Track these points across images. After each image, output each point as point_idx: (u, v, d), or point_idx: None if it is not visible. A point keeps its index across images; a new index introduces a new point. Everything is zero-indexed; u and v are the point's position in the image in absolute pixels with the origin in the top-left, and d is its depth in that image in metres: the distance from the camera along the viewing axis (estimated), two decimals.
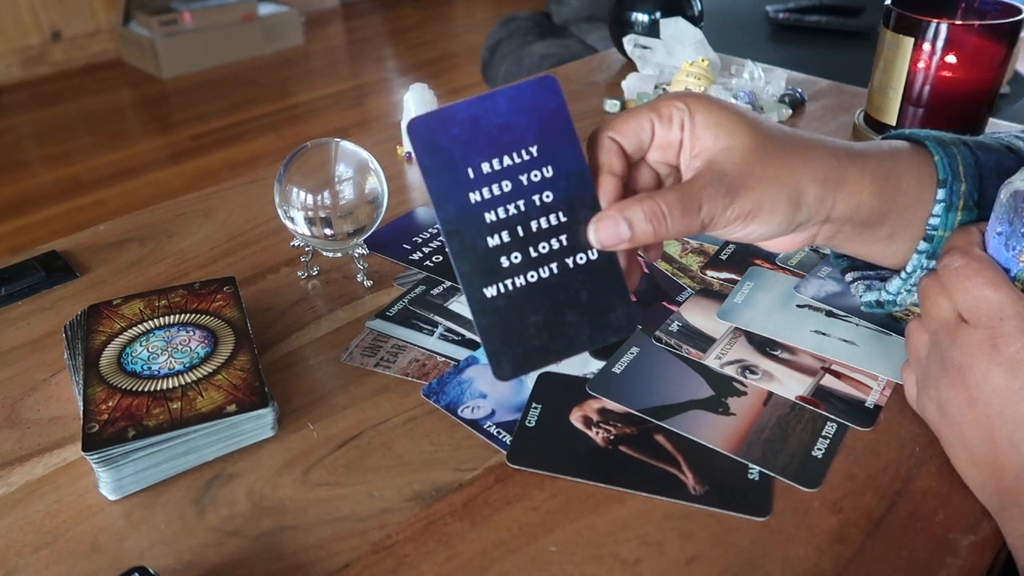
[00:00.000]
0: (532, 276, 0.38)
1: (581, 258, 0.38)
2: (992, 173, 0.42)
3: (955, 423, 0.40)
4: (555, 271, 0.38)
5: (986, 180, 0.42)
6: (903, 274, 0.44)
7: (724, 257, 0.59)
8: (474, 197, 0.37)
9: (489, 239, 0.37)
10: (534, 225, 0.37)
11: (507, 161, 0.37)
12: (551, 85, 0.37)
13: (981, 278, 0.37)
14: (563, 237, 0.38)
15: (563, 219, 0.38)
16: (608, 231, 0.37)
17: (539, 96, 0.37)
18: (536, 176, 0.37)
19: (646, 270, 0.58)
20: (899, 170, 0.42)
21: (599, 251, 0.38)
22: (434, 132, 0.36)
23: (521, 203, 0.37)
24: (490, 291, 0.37)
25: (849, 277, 0.48)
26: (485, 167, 0.37)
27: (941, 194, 0.42)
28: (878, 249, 0.44)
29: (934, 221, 0.42)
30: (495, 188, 0.37)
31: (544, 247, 0.38)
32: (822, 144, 0.41)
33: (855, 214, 0.41)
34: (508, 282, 0.37)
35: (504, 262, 0.37)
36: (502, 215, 0.37)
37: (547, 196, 0.37)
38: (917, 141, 0.44)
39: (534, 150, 0.37)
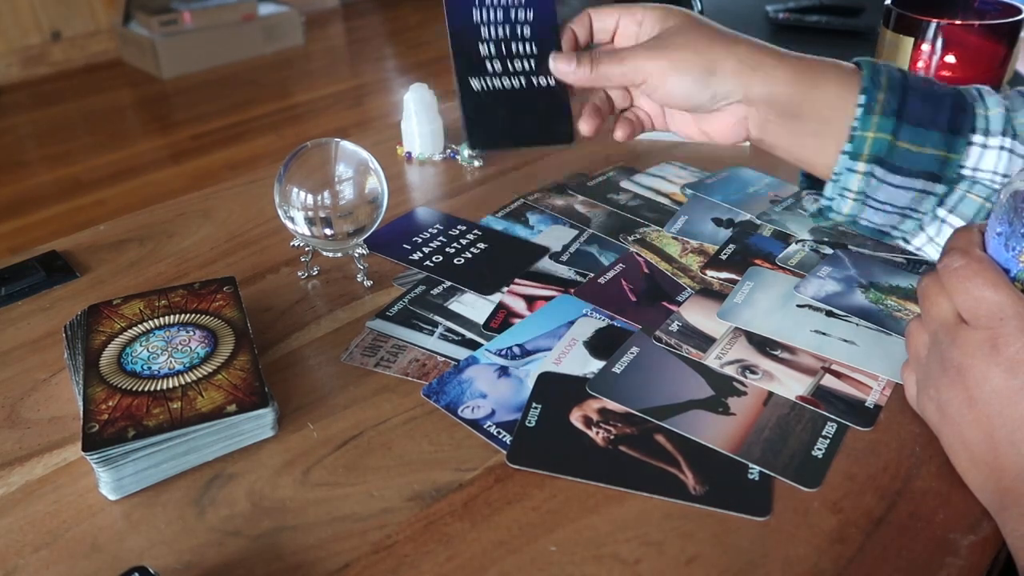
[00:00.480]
0: (506, 81, 0.52)
1: (543, 81, 0.52)
2: (917, 93, 0.47)
3: (955, 423, 0.40)
4: (523, 83, 0.52)
5: (910, 96, 0.47)
6: (833, 176, 0.49)
7: (724, 257, 0.59)
8: (476, 16, 0.51)
9: (481, 47, 0.51)
10: (514, 47, 0.52)
11: None
12: None
13: (981, 279, 0.38)
14: (532, 62, 0.52)
15: (534, 51, 0.52)
16: (562, 61, 0.52)
17: None
18: (521, 15, 0.52)
19: (646, 270, 0.58)
20: (819, 69, 0.48)
21: (556, 80, 0.52)
22: None
23: (507, 28, 0.52)
24: (475, 83, 0.51)
25: (805, 194, 0.56)
26: None
27: (861, 99, 0.47)
28: (809, 148, 0.50)
29: (855, 123, 0.47)
30: (491, 13, 0.52)
31: (518, 65, 0.52)
32: (753, 40, 0.49)
33: (772, 97, 0.48)
34: (488, 80, 0.51)
35: (488, 66, 0.51)
36: (492, 34, 0.52)
37: (527, 31, 0.52)
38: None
39: None
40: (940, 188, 0.48)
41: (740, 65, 0.48)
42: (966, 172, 0.47)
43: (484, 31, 0.51)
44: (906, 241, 0.51)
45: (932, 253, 0.50)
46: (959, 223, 0.48)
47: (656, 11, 0.51)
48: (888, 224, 0.50)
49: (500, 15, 0.51)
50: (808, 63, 0.48)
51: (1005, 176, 0.47)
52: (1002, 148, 0.46)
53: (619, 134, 0.54)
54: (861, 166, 0.47)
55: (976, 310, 0.38)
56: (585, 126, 0.52)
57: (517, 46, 0.52)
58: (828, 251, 0.59)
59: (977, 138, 0.47)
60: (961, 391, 0.39)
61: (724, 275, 0.57)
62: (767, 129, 0.50)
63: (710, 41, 0.48)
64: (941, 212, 0.48)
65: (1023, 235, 0.37)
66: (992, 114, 0.47)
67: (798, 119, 0.48)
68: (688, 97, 0.49)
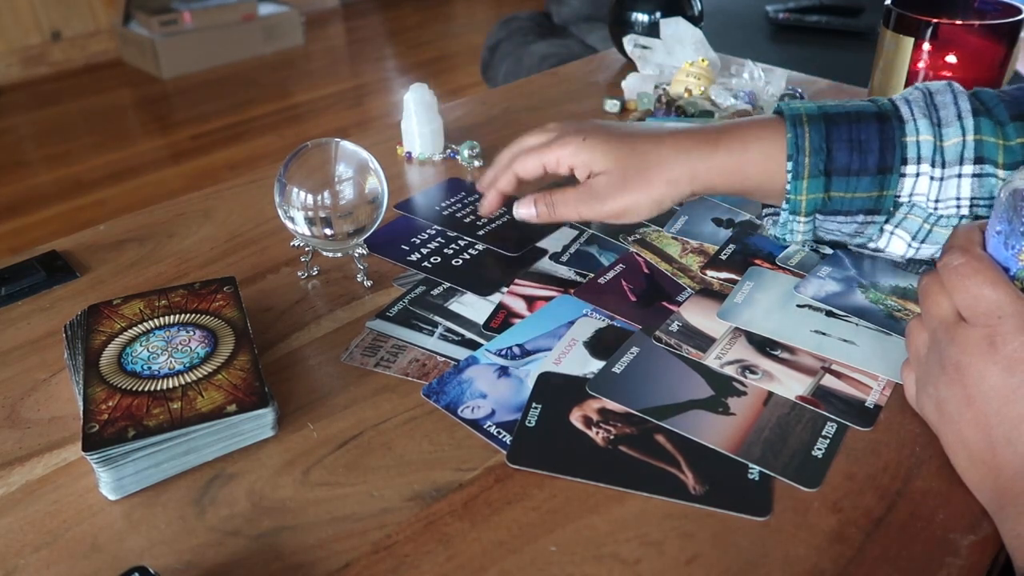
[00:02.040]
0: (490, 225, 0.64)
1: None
2: (843, 143, 0.50)
3: (953, 422, 0.40)
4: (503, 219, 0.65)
5: (835, 149, 0.50)
6: (780, 224, 0.54)
7: (724, 257, 0.59)
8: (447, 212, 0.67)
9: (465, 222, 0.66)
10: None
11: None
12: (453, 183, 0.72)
13: (980, 276, 0.38)
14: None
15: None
16: (523, 208, 0.57)
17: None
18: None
19: (646, 270, 0.58)
20: (745, 160, 0.52)
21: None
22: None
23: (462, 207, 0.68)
24: (481, 233, 0.64)
25: (764, 212, 0.57)
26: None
27: (788, 165, 0.51)
28: (759, 200, 0.56)
29: (787, 188, 0.51)
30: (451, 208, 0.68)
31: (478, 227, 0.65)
32: (676, 151, 0.53)
33: (714, 190, 0.54)
34: (481, 231, 0.64)
35: (476, 226, 0.65)
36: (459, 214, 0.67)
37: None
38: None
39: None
40: (880, 218, 0.51)
41: (677, 187, 0.52)
42: (903, 200, 0.50)
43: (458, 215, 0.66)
44: (864, 247, 0.56)
45: (893, 255, 0.54)
46: (907, 236, 0.52)
47: (584, 154, 0.53)
48: (843, 241, 0.55)
49: (458, 205, 0.67)
50: (734, 158, 0.52)
51: (938, 201, 0.50)
52: (932, 178, 0.49)
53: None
54: (802, 218, 0.52)
55: (975, 308, 0.38)
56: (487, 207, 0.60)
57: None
58: (828, 251, 0.59)
59: (909, 168, 0.49)
60: (959, 389, 0.39)
61: (724, 275, 0.57)
62: (717, 195, 0.60)
63: (645, 180, 0.52)
64: (888, 227, 0.52)
65: (1022, 233, 0.37)
66: (923, 140, 0.49)
67: (741, 193, 0.54)
68: (645, 219, 0.55)
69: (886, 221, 0.52)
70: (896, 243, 0.53)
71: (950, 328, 0.39)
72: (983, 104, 0.49)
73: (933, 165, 0.49)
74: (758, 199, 0.55)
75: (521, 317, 0.54)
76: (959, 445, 0.40)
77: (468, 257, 0.60)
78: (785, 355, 0.49)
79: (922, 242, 0.51)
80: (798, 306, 0.53)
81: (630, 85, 0.87)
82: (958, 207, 0.50)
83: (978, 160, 0.48)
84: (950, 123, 0.49)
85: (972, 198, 0.49)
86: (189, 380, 0.44)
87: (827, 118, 0.51)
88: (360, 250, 0.57)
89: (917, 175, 0.49)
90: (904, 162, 0.49)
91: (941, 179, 0.49)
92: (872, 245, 0.54)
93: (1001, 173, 0.48)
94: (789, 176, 0.51)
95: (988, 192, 0.49)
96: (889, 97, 0.52)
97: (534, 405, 0.46)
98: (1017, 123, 0.48)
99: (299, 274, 0.59)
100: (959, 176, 0.49)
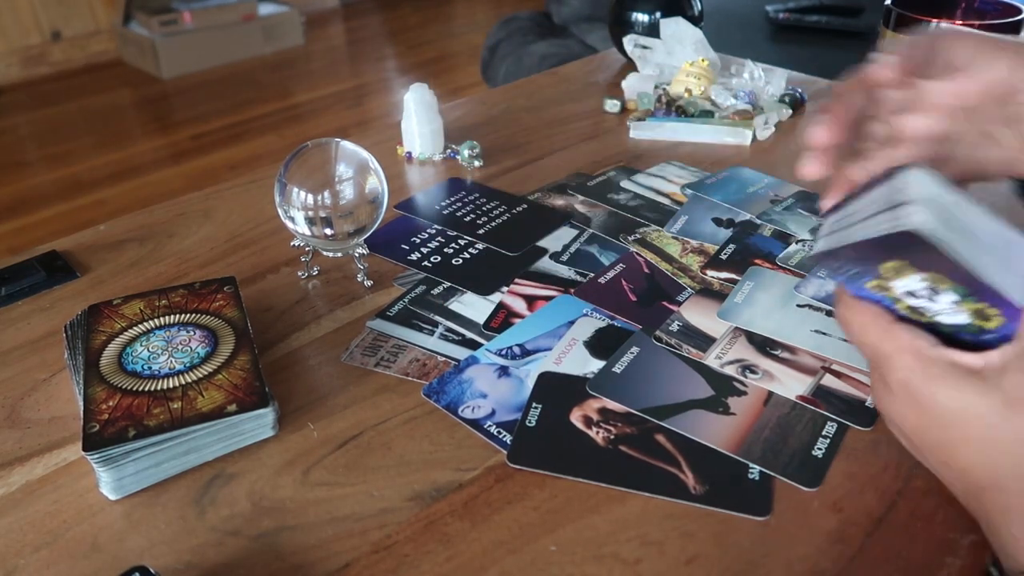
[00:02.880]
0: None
1: None
2: None
3: (917, 450, 0.39)
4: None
5: None
6: None
7: (724, 257, 0.59)
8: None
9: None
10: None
11: None
12: None
13: (850, 328, 0.38)
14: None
15: None
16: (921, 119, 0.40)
17: None
18: None
19: (646, 270, 0.58)
20: None
21: None
22: None
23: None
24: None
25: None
26: None
27: None
28: None
29: None
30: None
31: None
32: None
33: None
34: None
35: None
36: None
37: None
38: None
39: None
40: None
41: None
42: None
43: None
44: None
45: None
46: None
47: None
48: None
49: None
50: None
51: None
52: None
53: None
54: None
55: (864, 352, 0.38)
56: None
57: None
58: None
59: None
60: (897, 426, 0.39)
61: (724, 275, 0.57)
62: None
63: None
64: None
65: (851, 277, 0.37)
66: None
67: None
68: None
69: None
70: None
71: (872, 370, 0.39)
72: None
73: None
74: None
75: (521, 317, 0.54)
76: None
77: (468, 256, 0.60)
78: (785, 355, 0.49)
79: None
80: (798, 306, 0.53)
81: (630, 85, 0.87)
82: None
83: None
84: None
85: None
86: (189, 380, 0.44)
87: None
88: (360, 250, 0.57)
89: None
90: None
91: None
92: None
93: None
94: None
95: None
96: None
97: (534, 405, 0.46)
98: None
99: (299, 274, 0.59)
100: None
